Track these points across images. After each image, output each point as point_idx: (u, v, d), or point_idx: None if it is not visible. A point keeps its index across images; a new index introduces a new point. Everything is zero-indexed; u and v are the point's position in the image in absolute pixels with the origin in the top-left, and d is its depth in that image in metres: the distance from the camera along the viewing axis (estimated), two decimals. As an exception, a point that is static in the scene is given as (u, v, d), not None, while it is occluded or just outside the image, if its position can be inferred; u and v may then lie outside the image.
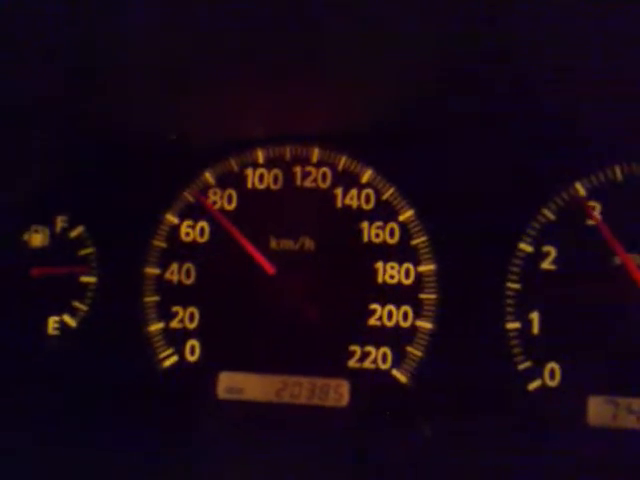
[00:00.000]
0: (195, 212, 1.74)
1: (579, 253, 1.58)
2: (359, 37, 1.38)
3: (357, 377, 1.63)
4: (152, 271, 1.74)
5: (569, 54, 1.38)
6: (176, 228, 1.75)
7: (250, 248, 1.68)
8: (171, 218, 1.75)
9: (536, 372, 1.56)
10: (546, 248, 1.60)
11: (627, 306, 1.54)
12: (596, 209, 1.60)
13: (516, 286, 1.59)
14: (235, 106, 1.67)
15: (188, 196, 1.75)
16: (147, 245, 1.75)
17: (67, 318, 1.76)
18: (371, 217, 1.68)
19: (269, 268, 1.67)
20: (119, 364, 1.69)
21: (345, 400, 1.63)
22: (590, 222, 1.59)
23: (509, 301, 1.59)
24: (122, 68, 1.52)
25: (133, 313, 1.73)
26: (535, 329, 1.57)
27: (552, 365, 1.56)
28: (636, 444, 1.49)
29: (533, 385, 1.56)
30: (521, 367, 1.56)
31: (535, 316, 1.58)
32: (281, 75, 1.53)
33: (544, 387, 1.56)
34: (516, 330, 1.58)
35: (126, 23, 1.36)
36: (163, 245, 1.74)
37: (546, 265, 1.59)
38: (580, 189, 1.62)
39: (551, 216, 1.61)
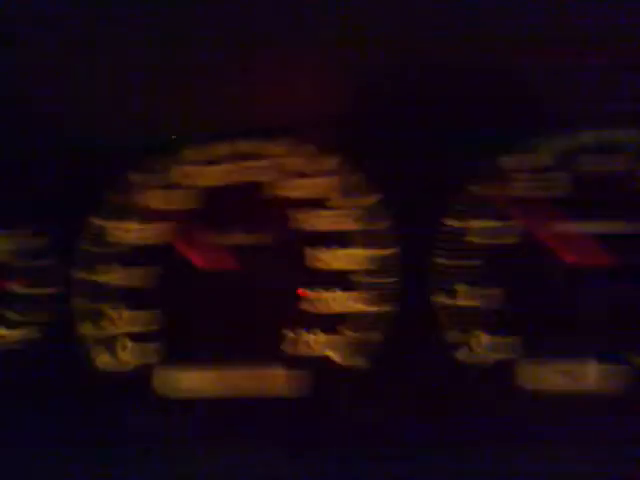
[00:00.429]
0: (123, 213, 1.73)
1: (496, 225, 1.61)
2: (319, 25, 1.38)
3: (314, 364, 1.61)
4: (83, 275, 1.72)
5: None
6: (107, 230, 1.73)
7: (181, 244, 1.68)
8: (102, 220, 1.74)
9: (464, 341, 1.58)
10: (470, 223, 1.62)
11: (552, 272, 1.58)
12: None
13: (443, 261, 1.62)
14: (184, 100, 1.65)
15: (116, 197, 1.74)
16: (78, 249, 1.73)
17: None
18: (334, 203, 1.67)
19: (199, 261, 1.67)
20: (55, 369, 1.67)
21: (302, 388, 1.61)
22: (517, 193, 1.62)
23: (436, 275, 1.61)
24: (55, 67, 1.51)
25: (67, 317, 1.71)
26: (461, 301, 1.60)
27: (478, 333, 1.58)
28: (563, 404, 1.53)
29: (462, 354, 1.58)
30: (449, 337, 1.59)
31: (461, 288, 1.60)
32: (236, 62, 1.51)
33: (471, 355, 1.57)
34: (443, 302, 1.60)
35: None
36: (92, 248, 1.73)
37: (471, 238, 1.62)
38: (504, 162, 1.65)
39: (476, 190, 1.64)
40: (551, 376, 1.54)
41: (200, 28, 1.41)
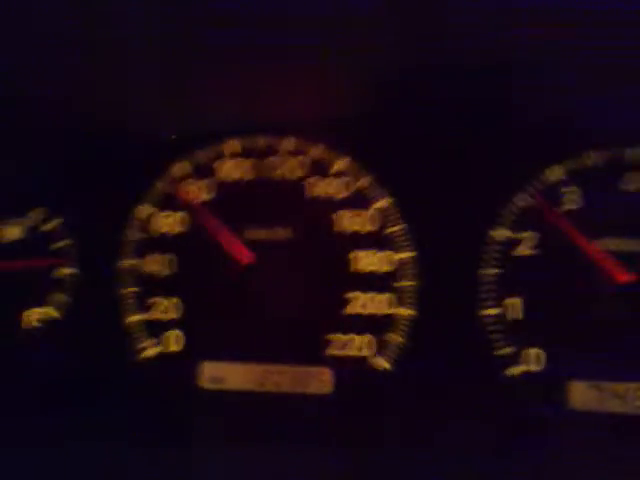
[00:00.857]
0: (172, 203, 1.73)
1: (556, 238, 1.58)
2: (329, 25, 1.36)
3: (339, 364, 1.64)
4: (130, 262, 1.73)
5: (536, 44, 1.37)
6: (152, 219, 1.73)
7: (228, 237, 1.67)
8: (148, 209, 1.73)
9: (516, 357, 1.58)
10: (524, 234, 1.60)
11: (601, 289, 1.55)
12: (570, 194, 1.60)
13: (493, 271, 1.60)
14: (207, 97, 1.64)
15: (165, 187, 1.74)
16: (124, 236, 1.74)
17: (50, 310, 1.75)
18: (347, 205, 1.67)
19: (246, 257, 1.66)
20: (102, 354, 1.69)
21: (328, 387, 1.64)
22: (566, 208, 1.59)
23: (487, 287, 1.60)
24: (89, 62, 1.48)
25: (113, 304, 1.72)
26: (514, 315, 1.58)
27: (533, 350, 1.57)
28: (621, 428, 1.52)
29: (512, 370, 1.58)
30: (500, 353, 1.58)
31: (513, 302, 1.59)
32: (253, 64, 1.50)
33: (524, 372, 1.57)
34: (494, 316, 1.59)
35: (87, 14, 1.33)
36: (140, 236, 1.73)
37: (523, 251, 1.60)
38: (554, 175, 1.61)
39: (526, 202, 1.61)
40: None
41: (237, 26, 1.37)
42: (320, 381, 1.64)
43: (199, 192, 1.73)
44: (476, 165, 1.61)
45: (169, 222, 1.74)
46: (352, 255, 1.66)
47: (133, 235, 1.74)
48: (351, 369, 1.63)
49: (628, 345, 1.51)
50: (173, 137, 1.76)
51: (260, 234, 1.69)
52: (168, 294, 1.71)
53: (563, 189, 1.61)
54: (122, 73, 1.54)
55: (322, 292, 1.66)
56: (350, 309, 1.65)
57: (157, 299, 1.72)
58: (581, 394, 1.54)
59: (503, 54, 1.43)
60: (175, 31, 1.40)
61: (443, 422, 1.51)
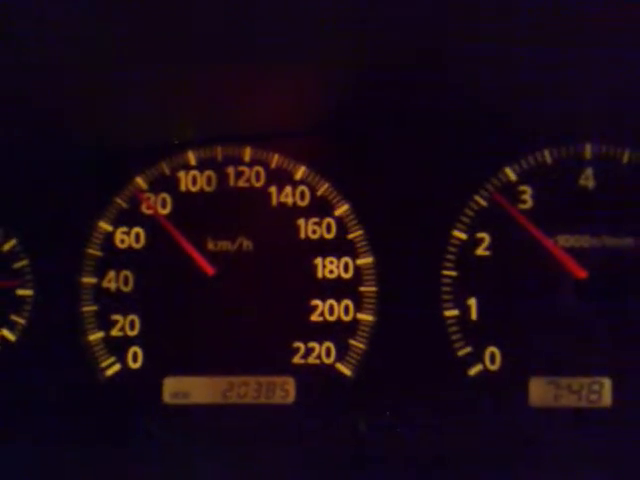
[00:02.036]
0: (129, 218, 1.72)
1: (512, 238, 1.60)
2: (287, 36, 1.37)
3: (302, 373, 1.64)
4: (89, 280, 1.71)
5: (495, 43, 1.39)
6: (110, 235, 1.72)
7: (190, 250, 1.66)
8: (105, 226, 1.72)
9: (476, 357, 1.58)
10: (480, 234, 1.62)
11: (560, 287, 1.57)
12: (527, 193, 1.62)
13: (452, 273, 1.61)
14: (164, 109, 1.64)
15: (123, 202, 1.73)
16: (82, 254, 1.72)
17: (5, 332, 1.72)
18: (307, 213, 1.68)
19: (209, 269, 1.66)
20: (61, 375, 1.67)
21: (292, 397, 1.63)
22: (521, 207, 1.62)
23: (446, 289, 1.61)
24: (42, 77, 1.48)
25: (72, 323, 1.70)
26: (473, 315, 1.59)
27: (492, 349, 1.58)
28: (578, 423, 1.53)
29: (474, 370, 1.58)
30: (461, 353, 1.59)
31: (472, 302, 1.60)
32: (210, 75, 1.51)
33: (485, 371, 1.58)
34: (455, 317, 1.60)
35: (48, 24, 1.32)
36: (98, 253, 1.71)
37: (480, 251, 1.61)
38: (510, 174, 1.64)
39: (483, 203, 1.64)
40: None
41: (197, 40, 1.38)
42: (284, 390, 1.62)
43: (159, 205, 1.72)
44: (432, 169, 1.64)
45: (127, 238, 1.72)
46: (313, 263, 1.66)
47: (92, 252, 1.72)
48: (314, 377, 1.62)
49: (582, 340, 1.53)
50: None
51: (222, 245, 1.68)
52: (128, 311, 1.69)
53: (520, 187, 1.62)
54: (79, 88, 1.53)
55: (284, 301, 1.66)
56: (312, 317, 1.65)
57: (117, 316, 1.70)
58: (539, 390, 1.55)
59: (453, 59, 1.45)
60: (132, 45, 1.40)
61: (406, 424, 1.50)
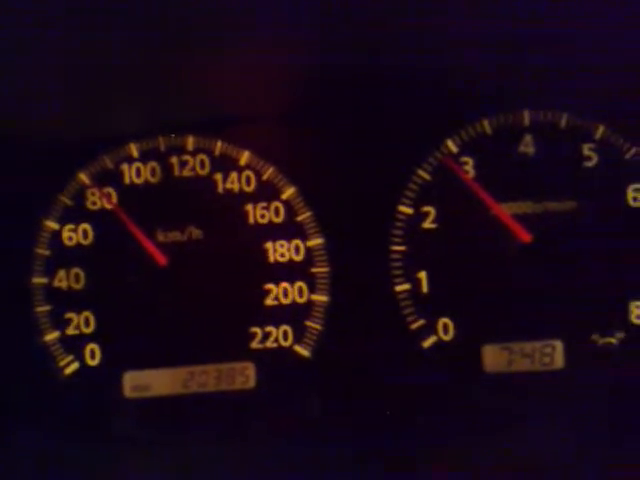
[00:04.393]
0: (75, 215, 1.70)
1: (457, 209, 1.62)
2: (227, 23, 1.36)
3: (261, 357, 1.65)
4: (39, 280, 1.69)
5: (432, 16, 1.40)
6: (57, 233, 1.70)
7: (143, 240, 1.66)
8: (51, 224, 1.70)
9: (429, 329, 1.61)
10: (425, 208, 1.64)
11: (507, 254, 1.60)
12: (468, 164, 1.64)
13: (401, 248, 1.63)
14: (104, 102, 1.62)
15: (68, 198, 1.71)
16: (31, 255, 1.70)
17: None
18: (254, 198, 1.68)
19: (161, 259, 1.65)
20: (19, 377, 1.65)
21: (252, 382, 1.64)
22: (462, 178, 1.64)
23: (396, 264, 1.63)
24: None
25: (26, 325, 1.68)
26: (424, 288, 1.62)
27: (444, 320, 1.61)
28: (532, 386, 1.57)
29: (428, 342, 1.61)
30: (414, 326, 1.61)
31: (423, 275, 1.62)
32: (148, 65, 1.50)
33: (439, 342, 1.60)
34: (406, 291, 1.62)
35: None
36: (47, 253, 1.70)
37: (427, 224, 1.63)
38: (451, 146, 1.65)
39: (426, 176, 1.65)
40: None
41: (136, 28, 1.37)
42: (244, 376, 1.63)
43: (106, 199, 1.70)
44: (374, 145, 1.64)
45: (75, 235, 1.70)
46: (264, 247, 1.66)
47: (41, 251, 1.70)
48: (273, 360, 1.64)
49: (532, 305, 1.56)
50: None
51: (171, 236, 1.68)
52: (81, 308, 1.68)
53: (462, 158, 1.64)
54: (22, 81, 1.50)
55: (238, 287, 1.66)
56: (266, 301, 1.65)
57: (71, 314, 1.68)
58: (493, 357, 1.58)
59: (390, 34, 1.45)
60: (75, 37, 1.38)
61: (365, 401, 1.53)
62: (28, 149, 1.69)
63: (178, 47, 1.43)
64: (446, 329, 1.62)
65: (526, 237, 1.58)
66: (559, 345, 1.60)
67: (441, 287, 1.62)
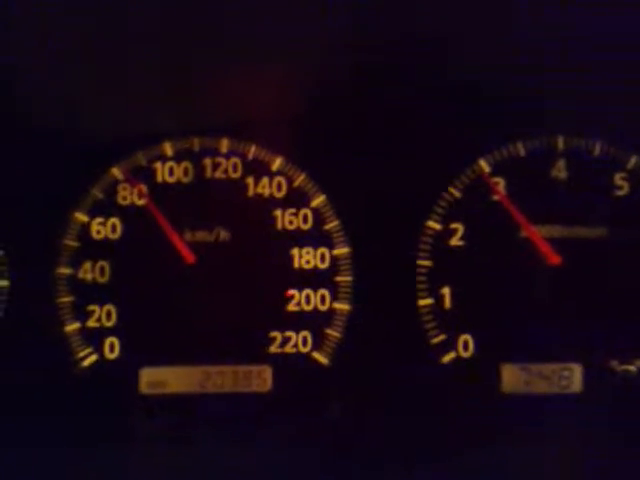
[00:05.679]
0: (105, 209, 1.72)
1: (486, 228, 1.63)
2: (263, 26, 1.38)
3: (279, 362, 1.65)
4: (65, 271, 1.71)
5: (471, 32, 1.42)
6: (86, 226, 1.71)
7: (173, 238, 1.67)
8: (81, 216, 1.72)
9: (449, 345, 1.61)
10: (454, 225, 1.64)
11: (533, 276, 1.60)
12: (500, 184, 1.65)
13: (427, 263, 1.64)
14: (141, 100, 1.65)
15: (99, 192, 1.72)
16: (58, 245, 1.71)
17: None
18: (284, 204, 1.69)
19: (189, 257, 1.66)
20: (38, 367, 1.65)
21: (268, 385, 1.64)
22: (495, 197, 1.64)
23: (421, 278, 1.63)
24: (22, 67, 1.48)
25: (49, 315, 1.69)
26: (447, 303, 1.62)
27: (465, 337, 1.61)
28: (549, 408, 1.56)
29: (447, 357, 1.61)
30: (435, 341, 1.61)
31: (446, 291, 1.62)
32: (186, 66, 1.52)
33: (458, 359, 1.61)
34: (429, 306, 1.62)
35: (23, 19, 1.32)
36: (75, 244, 1.71)
37: (454, 241, 1.64)
38: (484, 165, 1.66)
39: (457, 194, 1.66)
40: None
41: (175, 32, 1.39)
42: (261, 379, 1.64)
43: (139, 194, 1.72)
44: (407, 160, 1.65)
45: (104, 229, 1.72)
46: (290, 253, 1.67)
47: (69, 243, 1.72)
48: (290, 366, 1.64)
49: (553, 327, 1.56)
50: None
51: (199, 236, 1.69)
52: (104, 301, 1.69)
53: (494, 179, 1.65)
54: (58, 78, 1.53)
55: (261, 291, 1.67)
56: (289, 306, 1.66)
57: (93, 307, 1.69)
58: (511, 377, 1.58)
59: (428, 53, 1.47)
60: (110, 35, 1.40)
61: (379, 412, 1.53)
62: (65, 142, 1.71)
63: (216, 52, 1.45)
64: (466, 346, 1.62)
65: (556, 260, 1.59)
66: (578, 369, 1.60)
67: (464, 304, 1.62)
